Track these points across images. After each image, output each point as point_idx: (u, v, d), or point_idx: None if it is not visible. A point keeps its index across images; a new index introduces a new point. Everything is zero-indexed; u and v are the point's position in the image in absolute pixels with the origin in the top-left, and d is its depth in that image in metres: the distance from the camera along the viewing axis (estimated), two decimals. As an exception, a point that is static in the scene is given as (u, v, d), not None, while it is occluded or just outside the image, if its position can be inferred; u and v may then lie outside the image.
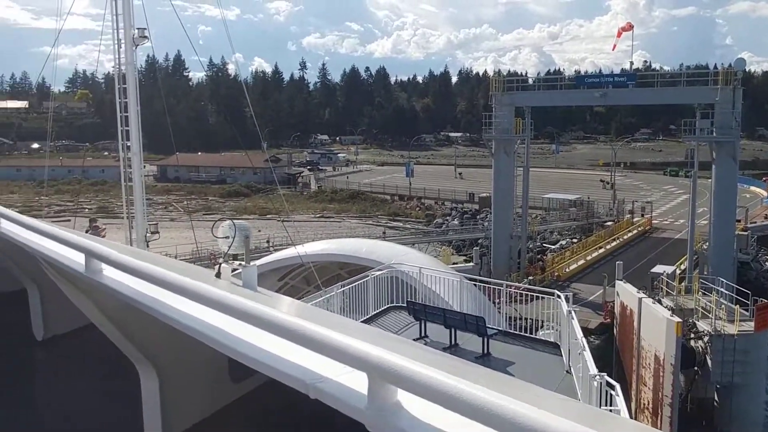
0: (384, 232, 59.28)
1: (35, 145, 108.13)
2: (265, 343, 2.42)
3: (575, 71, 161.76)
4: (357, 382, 2.04)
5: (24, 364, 4.99)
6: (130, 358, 3.47)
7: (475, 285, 17.41)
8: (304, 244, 25.77)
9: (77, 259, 3.18)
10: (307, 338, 2.11)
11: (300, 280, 25.80)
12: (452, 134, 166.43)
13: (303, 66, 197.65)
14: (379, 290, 15.90)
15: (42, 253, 3.55)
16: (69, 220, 38.92)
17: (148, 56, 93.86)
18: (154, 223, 20.97)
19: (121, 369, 3.68)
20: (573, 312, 12.69)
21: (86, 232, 17.62)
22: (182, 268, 3.51)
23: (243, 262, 3.72)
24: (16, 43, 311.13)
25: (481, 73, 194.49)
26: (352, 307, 15.23)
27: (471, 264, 43.14)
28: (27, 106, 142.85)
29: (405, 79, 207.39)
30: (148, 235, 19.12)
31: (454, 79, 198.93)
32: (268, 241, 47.07)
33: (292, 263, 24.17)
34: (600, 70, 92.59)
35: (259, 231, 50.03)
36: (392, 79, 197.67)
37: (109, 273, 3.01)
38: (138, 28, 19.12)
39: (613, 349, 30.23)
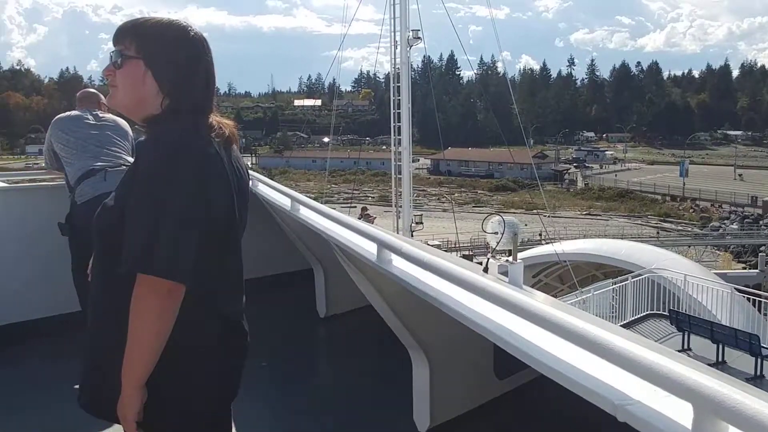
0: (657, 233, 55.28)
1: (326, 139, 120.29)
2: (555, 349, 2.27)
3: None
4: (677, 411, 1.78)
5: (308, 338, 5.41)
6: (403, 342, 3.57)
7: (747, 298, 15.48)
8: (561, 242, 25.22)
9: (369, 248, 3.39)
10: (618, 354, 1.88)
11: (554, 278, 25.31)
12: (731, 132, 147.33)
13: (571, 62, 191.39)
14: (638, 295, 14.99)
15: (336, 239, 3.76)
16: (354, 207, 43.10)
17: (424, 57, 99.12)
18: (419, 213, 22.20)
19: (394, 352, 3.81)
20: None
21: (359, 218, 19.39)
22: (460, 262, 3.62)
23: (510, 259, 3.71)
24: (312, 48, 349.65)
25: (767, 66, 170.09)
26: (608, 310, 14.60)
27: (755, 271, 38.42)
28: (320, 104, 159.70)
29: (679, 73, 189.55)
30: (413, 225, 20.30)
31: (735, 73, 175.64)
32: (540, 235, 46.83)
33: (548, 260, 23.79)
34: None
35: (525, 225, 50.05)
36: (665, 74, 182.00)
37: (397, 263, 3.19)
38: (412, 30, 20.37)
39: None
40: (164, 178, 1.59)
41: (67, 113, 4.66)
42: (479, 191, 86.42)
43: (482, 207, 68.72)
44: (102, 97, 4.92)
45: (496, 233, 3.67)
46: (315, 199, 5.63)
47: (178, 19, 1.78)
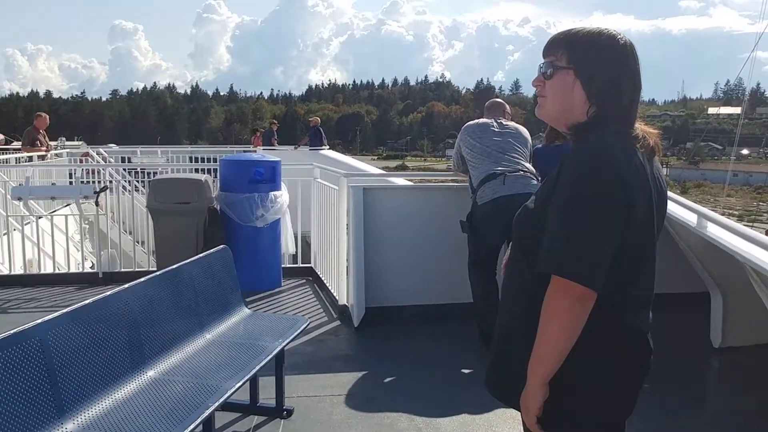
0: None
1: (744, 151, 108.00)
2: None
3: None
4: None
5: (697, 368, 4.95)
6: None
7: None
8: None
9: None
10: None
11: None
12: None
13: None
14: None
15: (754, 263, 3.49)
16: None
17: None
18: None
19: None
20: None
21: None
22: None
23: None
24: (731, 50, 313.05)
25: None
26: None
27: None
28: (740, 111, 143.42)
29: None
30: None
31: None
32: None
33: None
34: None
35: None
36: None
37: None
38: None
39: None
40: (587, 186, 1.62)
41: (476, 121, 5.09)
42: None
43: None
44: (507, 106, 5.24)
45: None
46: (739, 218, 5.01)
47: (607, 28, 1.80)
